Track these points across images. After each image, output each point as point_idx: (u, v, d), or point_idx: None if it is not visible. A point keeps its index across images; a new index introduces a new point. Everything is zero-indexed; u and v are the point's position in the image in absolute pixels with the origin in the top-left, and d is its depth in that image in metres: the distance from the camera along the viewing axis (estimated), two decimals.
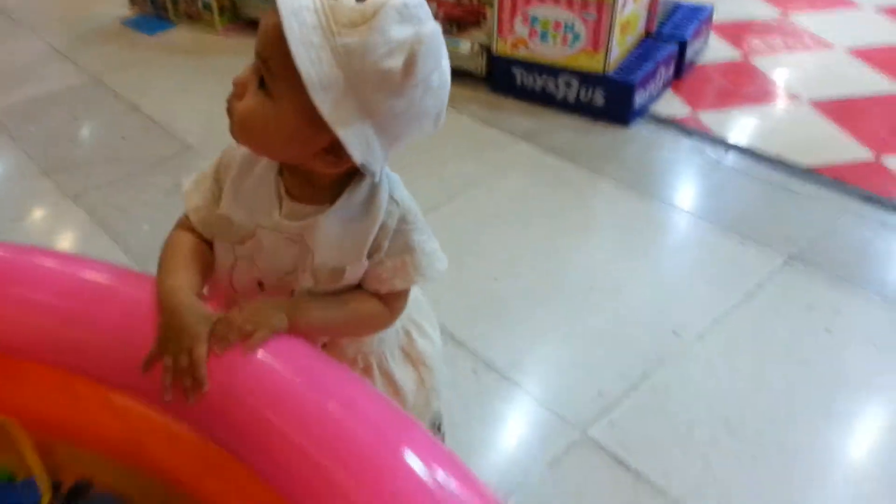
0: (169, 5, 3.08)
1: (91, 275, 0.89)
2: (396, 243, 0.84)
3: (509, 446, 1.39)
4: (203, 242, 0.87)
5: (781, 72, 2.62)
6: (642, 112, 2.37)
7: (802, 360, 1.53)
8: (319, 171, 0.79)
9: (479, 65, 2.50)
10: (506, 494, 1.27)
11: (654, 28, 2.50)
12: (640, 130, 2.32)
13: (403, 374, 0.98)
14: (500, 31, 2.40)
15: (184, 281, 0.81)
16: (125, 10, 3.20)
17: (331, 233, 0.82)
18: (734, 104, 2.44)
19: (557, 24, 2.29)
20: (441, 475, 0.68)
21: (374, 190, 0.82)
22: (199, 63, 2.77)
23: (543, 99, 2.42)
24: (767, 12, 3.03)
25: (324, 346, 0.92)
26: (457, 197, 2.02)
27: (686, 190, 2.12)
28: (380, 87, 0.70)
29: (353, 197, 0.81)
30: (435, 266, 0.86)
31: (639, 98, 2.32)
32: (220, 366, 0.75)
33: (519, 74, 2.43)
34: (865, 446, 1.39)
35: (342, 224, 0.82)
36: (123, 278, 0.89)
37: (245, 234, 0.85)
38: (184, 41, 2.97)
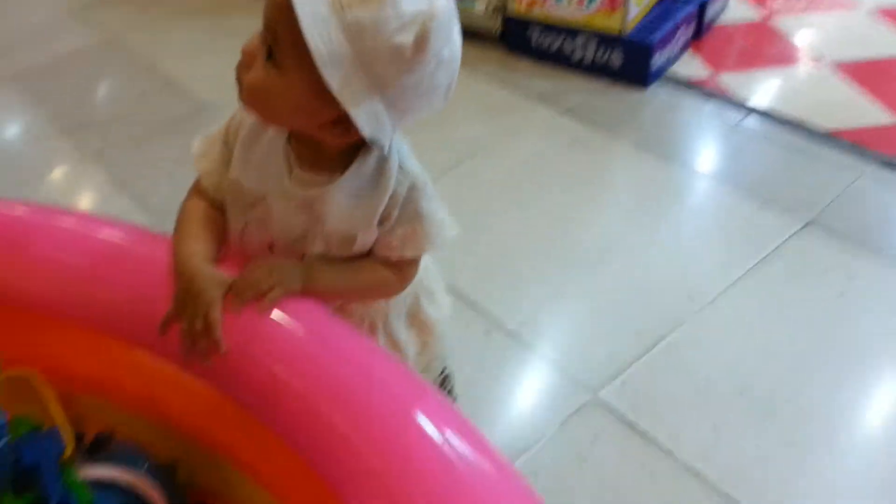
0: None
1: (112, 235, 0.92)
2: (406, 212, 0.84)
3: (521, 407, 1.42)
4: (216, 209, 0.88)
5: (804, 32, 2.56)
6: (660, 73, 2.34)
7: (817, 325, 1.53)
8: (328, 141, 0.79)
9: (493, 25, 2.47)
10: (516, 454, 1.29)
11: None
12: (658, 92, 2.29)
13: (407, 338, 0.99)
14: None
15: (198, 248, 0.82)
16: None
17: (341, 202, 0.82)
18: (755, 66, 2.40)
19: None
20: (451, 436, 0.70)
21: (383, 159, 0.82)
22: (216, 22, 2.76)
23: (559, 60, 2.39)
24: None
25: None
26: (470, 159, 2.01)
27: (704, 153, 2.10)
28: (391, 62, 0.69)
29: (363, 167, 0.82)
30: (444, 234, 0.87)
31: (657, 59, 2.28)
32: (236, 327, 0.77)
33: (534, 35, 2.40)
34: (878, 411, 1.40)
35: (352, 194, 0.82)
36: (143, 239, 0.91)
37: (255, 199, 0.85)
38: (201, 0, 2.95)
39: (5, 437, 0.80)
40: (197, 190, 0.90)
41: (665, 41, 2.29)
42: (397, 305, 0.97)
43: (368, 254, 0.88)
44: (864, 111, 2.15)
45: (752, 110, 2.18)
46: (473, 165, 1.99)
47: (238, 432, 0.83)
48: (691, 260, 1.70)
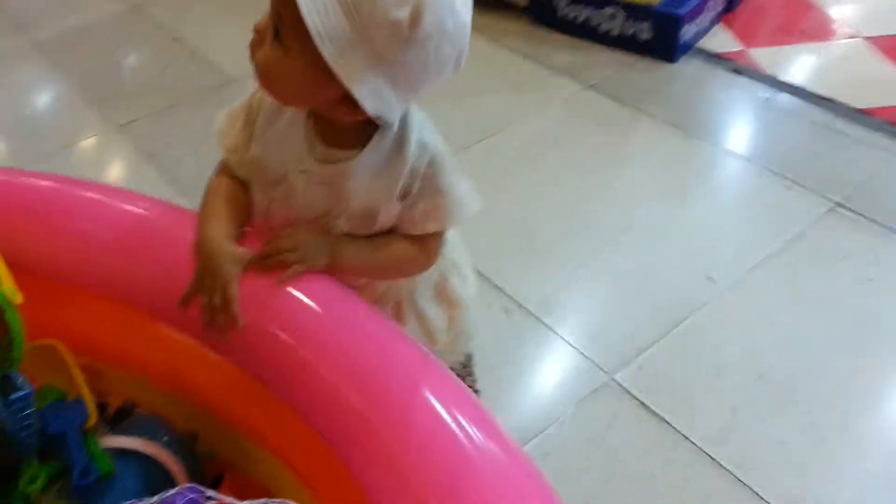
0: None
1: (137, 208, 0.93)
2: (427, 186, 0.84)
3: (537, 387, 1.42)
4: (241, 186, 0.89)
5: (838, 7, 2.49)
6: (690, 47, 2.29)
7: (839, 310, 1.51)
8: (340, 118, 0.79)
9: None
10: (531, 435, 1.30)
11: None
12: (686, 67, 2.25)
13: (435, 314, 0.99)
14: None
15: (220, 225, 0.83)
16: None
17: (362, 178, 0.82)
18: (787, 40, 2.34)
19: None
20: (462, 418, 0.70)
21: (402, 134, 0.82)
22: None
23: (586, 32, 2.35)
24: None
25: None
26: (494, 133, 2.00)
27: (733, 130, 2.07)
28: (389, 38, 0.68)
29: (382, 142, 0.82)
30: (466, 208, 0.87)
31: (686, 32, 2.24)
32: (253, 303, 0.78)
33: (561, 6, 2.35)
34: None
35: (372, 169, 0.82)
36: (169, 212, 0.92)
37: (277, 177, 0.86)
38: None
39: (32, 405, 0.82)
40: (222, 167, 0.90)
41: (695, 13, 2.24)
42: (424, 282, 0.97)
43: (392, 231, 0.88)
44: None
45: (782, 86, 2.14)
46: (496, 141, 1.98)
47: (256, 407, 0.85)
48: (714, 240, 1.68)
